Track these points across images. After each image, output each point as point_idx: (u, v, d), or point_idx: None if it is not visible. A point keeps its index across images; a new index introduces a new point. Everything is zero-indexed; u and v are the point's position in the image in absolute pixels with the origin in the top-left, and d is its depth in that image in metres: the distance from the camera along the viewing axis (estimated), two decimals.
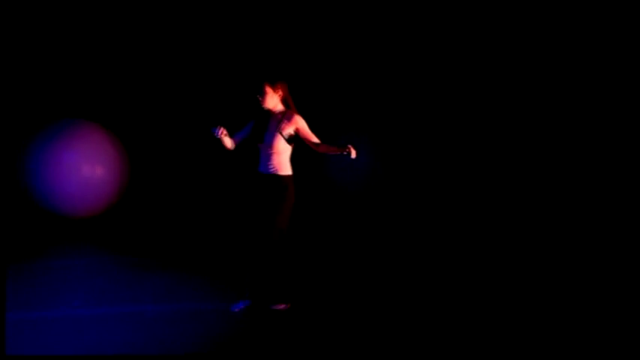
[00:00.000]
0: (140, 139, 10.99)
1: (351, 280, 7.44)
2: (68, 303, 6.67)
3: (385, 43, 10.70)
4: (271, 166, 6.08)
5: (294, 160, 6.30)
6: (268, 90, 6.03)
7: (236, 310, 6.22)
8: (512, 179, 9.99)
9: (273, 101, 6.08)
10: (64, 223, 10.00)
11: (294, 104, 6.19)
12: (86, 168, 9.65)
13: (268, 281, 6.15)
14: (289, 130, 6.02)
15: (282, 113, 6.10)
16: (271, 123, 6.10)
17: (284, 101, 6.12)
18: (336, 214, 10.61)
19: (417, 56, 10.54)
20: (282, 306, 6.19)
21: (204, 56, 11.05)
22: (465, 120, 10.35)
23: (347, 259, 8.42)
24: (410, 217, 10.22)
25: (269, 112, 6.14)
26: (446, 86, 10.43)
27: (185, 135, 10.78)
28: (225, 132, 5.92)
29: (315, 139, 6.12)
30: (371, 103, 10.73)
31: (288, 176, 6.11)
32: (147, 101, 11.25)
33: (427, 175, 10.47)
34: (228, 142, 6.08)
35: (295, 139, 6.14)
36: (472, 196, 10.10)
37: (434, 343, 5.62)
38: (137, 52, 11.15)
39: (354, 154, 5.77)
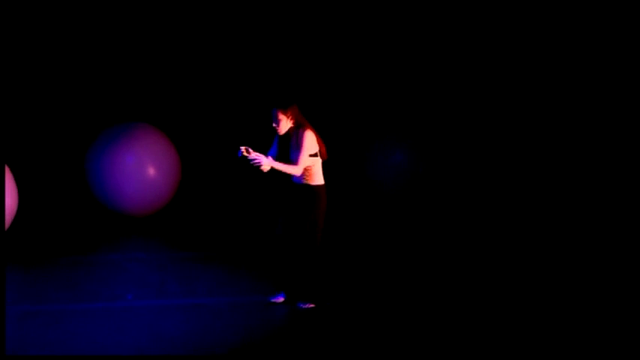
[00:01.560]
0: (194, 143, 11.37)
1: (386, 281, 7.55)
2: (123, 296, 7.13)
3: (417, 47, 10.92)
4: (302, 178, 6.35)
5: (330, 163, 6.55)
6: (282, 117, 6.30)
7: (272, 300, 6.57)
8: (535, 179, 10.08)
9: (288, 124, 6.31)
10: (123, 220, 10.47)
11: (306, 120, 6.38)
12: (145, 168, 10.09)
13: (298, 281, 6.44)
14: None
15: (296, 131, 6.33)
16: (292, 141, 6.36)
17: (297, 121, 6.33)
18: (373, 214, 10.69)
19: (452, 59, 10.74)
20: (309, 305, 6.46)
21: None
22: (503, 120, 10.50)
23: (383, 260, 8.51)
24: (445, 217, 10.27)
25: (287, 133, 6.38)
26: (481, 87, 10.61)
27: (234, 139, 11.16)
28: (249, 150, 6.10)
29: (301, 160, 6.21)
30: (405, 104, 10.93)
31: (319, 186, 6.38)
32: (201, 108, 11.65)
33: (465, 176, 10.59)
34: (265, 164, 6.17)
35: (317, 153, 6.34)
36: (514, 199, 10.14)
37: (464, 343, 5.77)
38: (191, 65, 11.55)
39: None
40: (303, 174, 6.34)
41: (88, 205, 10.70)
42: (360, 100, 11.36)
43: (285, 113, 6.30)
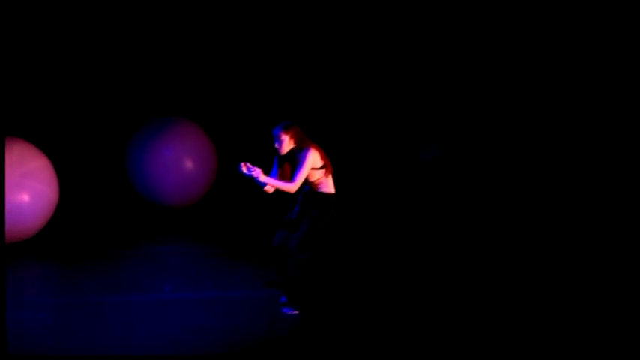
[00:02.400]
0: (231, 138, 11.46)
1: (394, 282, 7.43)
2: (160, 288, 7.29)
3: (434, 45, 10.91)
4: (313, 186, 6.34)
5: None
6: (284, 137, 6.24)
7: (281, 301, 6.48)
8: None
9: (290, 145, 6.25)
10: (161, 213, 10.59)
11: (308, 139, 6.30)
12: (182, 162, 10.24)
13: (286, 285, 6.36)
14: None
15: (298, 151, 6.28)
16: (297, 159, 6.29)
17: (299, 141, 6.27)
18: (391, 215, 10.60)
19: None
20: (293, 312, 6.34)
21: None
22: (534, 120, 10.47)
23: (396, 261, 8.37)
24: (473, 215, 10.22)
25: (289, 153, 6.31)
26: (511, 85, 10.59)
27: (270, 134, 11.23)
28: (249, 166, 6.09)
29: (297, 178, 6.17)
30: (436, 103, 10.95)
31: (329, 194, 6.35)
32: (238, 103, 11.75)
33: (495, 174, 10.52)
34: (262, 179, 6.15)
35: (323, 166, 6.29)
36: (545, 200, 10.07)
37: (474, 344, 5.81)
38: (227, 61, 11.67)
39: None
40: (312, 185, 6.33)
41: (127, 198, 10.85)
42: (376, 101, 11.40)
43: (287, 133, 6.24)
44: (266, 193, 6.31)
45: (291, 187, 6.21)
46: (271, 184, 6.21)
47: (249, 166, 6.10)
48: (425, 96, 11.07)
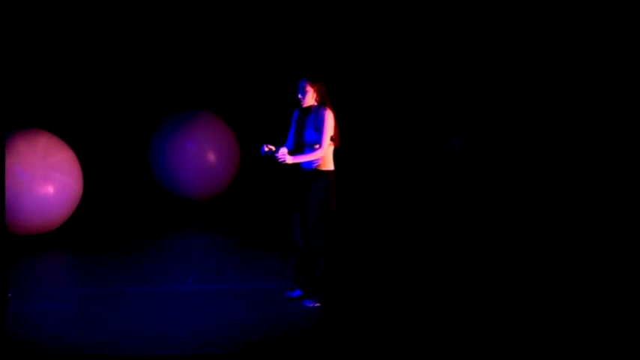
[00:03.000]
0: (252, 131, 11.47)
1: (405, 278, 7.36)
2: (183, 280, 7.30)
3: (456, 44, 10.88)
4: (313, 162, 6.14)
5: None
6: (309, 89, 6.11)
7: (290, 296, 6.45)
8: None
9: (312, 99, 6.12)
10: (184, 205, 10.64)
11: (329, 101, 6.18)
12: (205, 155, 10.27)
13: (310, 277, 6.27)
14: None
15: (316, 109, 6.15)
16: (308, 120, 6.15)
17: (321, 98, 6.14)
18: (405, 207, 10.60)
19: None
20: (316, 304, 6.29)
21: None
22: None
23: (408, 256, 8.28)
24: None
25: (305, 111, 6.20)
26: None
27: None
28: (272, 148, 6.00)
29: (324, 142, 6.03)
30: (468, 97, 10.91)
31: (330, 171, 6.15)
32: (259, 95, 11.76)
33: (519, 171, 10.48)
34: (289, 160, 6.00)
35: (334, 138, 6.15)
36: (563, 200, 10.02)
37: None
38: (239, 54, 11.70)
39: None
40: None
41: (150, 190, 10.90)
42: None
43: (313, 86, 6.11)
44: (284, 165, 6.09)
45: (320, 153, 6.08)
46: (302, 160, 6.07)
47: (272, 147, 6.01)
48: (448, 90, 11.04)
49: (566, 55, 10.33)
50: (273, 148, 6.03)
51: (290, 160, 6.00)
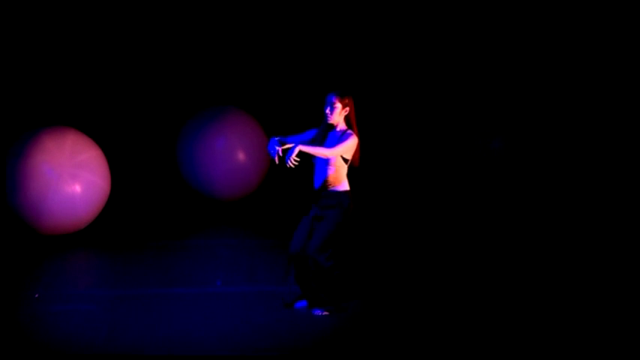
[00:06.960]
0: (282, 129, 11.40)
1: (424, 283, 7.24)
2: (212, 281, 7.23)
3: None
4: (328, 183, 6.01)
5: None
6: (338, 105, 5.97)
7: (297, 307, 6.30)
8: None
9: (339, 117, 5.99)
10: (212, 204, 10.54)
11: (355, 122, 6.04)
12: (234, 154, 10.14)
13: (314, 286, 6.11)
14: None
15: (342, 131, 6.01)
16: (330, 138, 6.03)
17: (347, 118, 6.02)
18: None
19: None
20: (324, 312, 6.15)
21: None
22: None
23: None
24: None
25: (329, 126, 6.05)
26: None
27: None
28: (278, 140, 5.91)
29: (337, 149, 5.88)
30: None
31: (345, 192, 6.03)
32: (290, 93, 11.66)
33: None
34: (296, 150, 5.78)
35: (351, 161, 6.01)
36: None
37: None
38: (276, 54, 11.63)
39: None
40: (330, 178, 5.99)
41: (178, 190, 10.85)
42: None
43: (342, 101, 5.96)
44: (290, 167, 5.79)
45: (328, 152, 5.89)
46: (306, 150, 5.78)
47: (280, 150, 5.84)
48: (487, 90, 10.90)
49: (604, 57, 10.16)
50: (280, 151, 5.87)
51: (303, 148, 5.77)
